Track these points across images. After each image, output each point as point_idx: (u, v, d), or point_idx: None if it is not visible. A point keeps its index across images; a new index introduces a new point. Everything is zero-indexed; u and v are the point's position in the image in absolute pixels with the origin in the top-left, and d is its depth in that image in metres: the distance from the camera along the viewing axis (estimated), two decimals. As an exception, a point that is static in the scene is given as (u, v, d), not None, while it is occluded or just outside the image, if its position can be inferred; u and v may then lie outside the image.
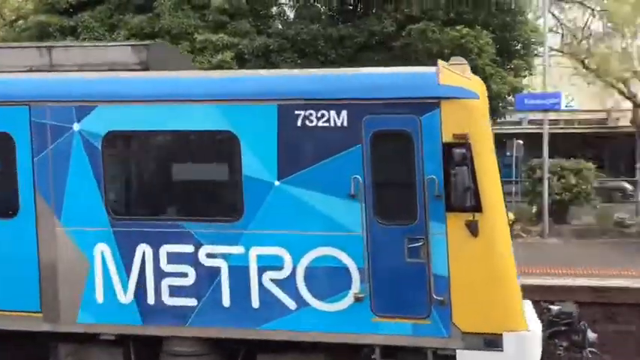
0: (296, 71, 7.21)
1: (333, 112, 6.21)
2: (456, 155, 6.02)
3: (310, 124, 6.26)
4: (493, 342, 6.11)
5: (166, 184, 6.80)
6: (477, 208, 6.02)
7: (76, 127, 6.47)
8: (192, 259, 6.37)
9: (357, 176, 6.21)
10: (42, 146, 6.47)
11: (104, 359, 6.70)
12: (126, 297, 6.46)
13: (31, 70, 6.84)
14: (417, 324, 6.19)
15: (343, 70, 7.08)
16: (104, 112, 6.47)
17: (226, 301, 6.37)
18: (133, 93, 6.54)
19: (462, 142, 6.06)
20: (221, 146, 6.59)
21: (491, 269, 6.13)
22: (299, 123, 6.27)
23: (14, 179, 6.49)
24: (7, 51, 7.34)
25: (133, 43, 7.88)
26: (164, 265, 6.39)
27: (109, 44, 8.66)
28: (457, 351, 6.18)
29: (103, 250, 6.46)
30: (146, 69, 6.89)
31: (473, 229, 6.05)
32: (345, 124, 6.24)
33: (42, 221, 6.51)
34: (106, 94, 6.52)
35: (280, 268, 6.33)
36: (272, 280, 6.34)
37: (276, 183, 6.30)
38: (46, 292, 6.42)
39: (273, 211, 6.32)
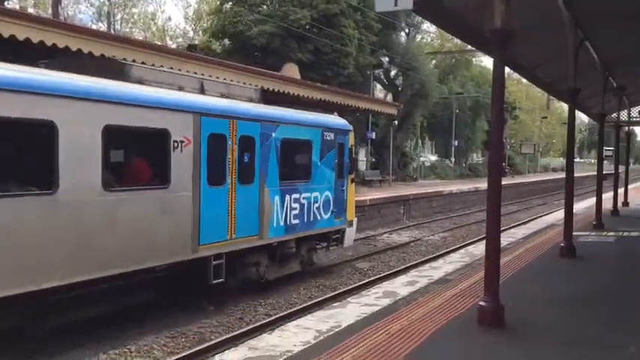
0: (324, 115, 14.85)
1: (331, 133, 14.08)
2: (352, 153, 15.08)
3: (326, 138, 13.88)
4: (351, 223, 15.30)
5: (293, 165, 13.25)
6: (353, 172, 15.30)
7: (273, 135, 12.09)
8: (298, 201, 12.83)
9: (335, 161, 14.22)
10: (263, 144, 11.77)
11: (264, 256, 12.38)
12: (281, 222, 12.38)
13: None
14: (340, 220, 14.61)
15: (332, 116, 15.06)
16: (282, 128, 12.35)
17: (305, 219, 13.17)
18: (288, 119, 12.85)
19: (352, 148, 15.11)
20: (308, 147, 13.34)
21: (353, 195, 15.44)
22: (325, 137, 13.85)
23: (254, 163, 11.54)
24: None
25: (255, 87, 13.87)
26: (292, 204, 12.63)
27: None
28: (347, 229, 15.00)
29: (276, 198, 12.16)
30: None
31: (352, 180, 15.17)
32: (333, 138, 14.14)
33: (261, 185, 11.72)
34: (282, 119, 12.55)
35: (317, 201, 13.56)
36: (316, 207, 13.52)
37: (319, 163, 13.62)
38: (260, 224, 11.73)
39: (317, 175, 13.62)
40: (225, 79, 15.54)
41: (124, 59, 12.41)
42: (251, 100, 12.28)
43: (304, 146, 13.30)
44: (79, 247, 8.28)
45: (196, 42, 42.31)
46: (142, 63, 13.33)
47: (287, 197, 12.46)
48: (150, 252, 9.40)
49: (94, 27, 41.46)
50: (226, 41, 37.64)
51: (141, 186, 9.42)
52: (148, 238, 9.37)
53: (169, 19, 73.29)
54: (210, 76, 14.98)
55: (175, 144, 9.71)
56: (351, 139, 15.02)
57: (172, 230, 9.78)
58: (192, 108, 10.10)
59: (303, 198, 13.00)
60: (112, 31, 40.89)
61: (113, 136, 8.80)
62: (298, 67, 31.21)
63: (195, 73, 14.51)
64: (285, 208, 12.39)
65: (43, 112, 7.84)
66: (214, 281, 10.65)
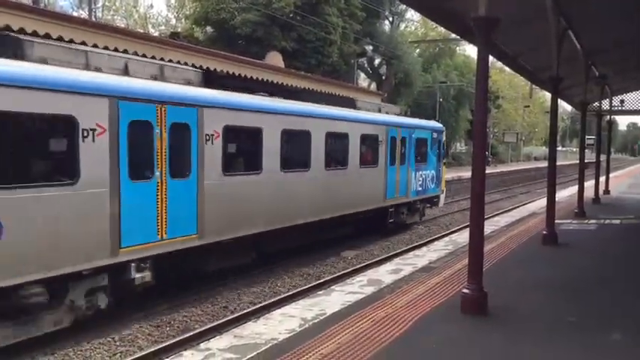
0: (432, 122, 23.26)
1: (435, 133, 21.55)
2: (445, 146, 24.21)
3: (434, 137, 21.36)
4: (443, 191, 22.95)
5: (419, 153, 19.98)
6: (445, 158, 24.58)
7: (412, 136, 19.52)
8: (421, 176, 20.18)
9: (437, 151, 21.75)
10: (409, 141, 19.38)
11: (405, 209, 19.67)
12: (414, 188, 19.90)
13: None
14: (439, 188, 22.25)
15: (436, 122, 23.56)
16: (416, 131, 19.90)
17: (423, 187, 20.61)
18: (419, 125, 20.80)
19: (445, 142, 23.34)
20: (425, 142, 20.71)
21: (444, 173, 23.39)
22: (433, 136, 21.18)
23: (405, 153, 19.06)
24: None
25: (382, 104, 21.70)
26: (418, 178, 20.07)
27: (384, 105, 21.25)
28: (441, 195, 22.76)
29: (413, 174, 19.65)
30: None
31: (445, 164, 24.28)
32: (436, 137, 21.71)
33: (408, 166, 19.34)
34: (417, 126, 20.50)
35: (429, 176, 20.97)
36: (428, 180, 21.00)
37: (430, 152, 21.05)
38: (407, 189, 19.28)
39: (429, 160, 20.94)
40: (212, 68, 15.44)
41: (125, 50, 13.16)
42: (398, 114, 20.57)
43: (424, 142, 20.82)
44: (350, 196, 16.09)
45: (179, 30, 41.90)
46: (124, 51, 13.19)
47: (417, 173, 20.16)
48: (372, 200, 17.48)
49: (74, 14, 40.84)
50: (209, 29, 37.37)
51: (368, 165, 17.21)
52: (371, 193, 17.43)
53: (151, 6, 72.55)
54: (193, 64, 14.88)
55: (380, 143, 17.77)
56: (444, 137, 22.90)
57: (374, 189, 17.60)
58: (384, 123, 18.22)
59: (423, 174, 20.68)
60: (94, 19, 40.32)
61: (362, 139, 16.68)
62: (282, 55, 31.07)
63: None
64: (416, 180, 20.08)
65: (345, 129, 16.03)
66: (390, 221, 18.78)
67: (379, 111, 19.25)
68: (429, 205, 22.68)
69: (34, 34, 11.50)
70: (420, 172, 20.55)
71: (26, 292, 7.94)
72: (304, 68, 30.51)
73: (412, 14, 53.84)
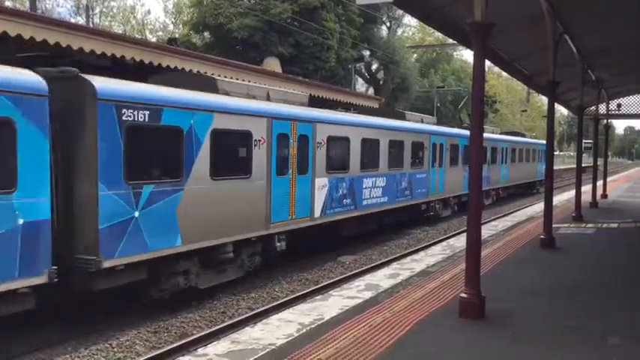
0: (542, 141, 36.71)
1: (542, 147, 33.92)
2: (541, 154, 42.43)
3: (542, 149, 35.45)
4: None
5: (537, 157, 37.71)
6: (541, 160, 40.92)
7: (538, 148, 37.97)
8: (537, 167, 38.19)
9: (542, 156, 35.76)
10: (537, 153, 37.75)
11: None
12: (533, 175, 37.84)
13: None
14: (541, 174, 34.45)
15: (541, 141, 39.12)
16: (541, 147, 36.17)
17: (538, 174, 37.55)
18: (539, 143, 38.45)
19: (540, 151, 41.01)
20: (538, 153, 37.74)
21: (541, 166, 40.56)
22: (542, 148, 36.25)
23: (528, 158, 36.97)
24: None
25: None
26: (538, 169, 37.94)
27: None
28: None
29: (539, 167, 37.02)
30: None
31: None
32: (542, 149, 34.51)
33: (535, 163, 38.11)
34: (538, 143, 38.67)
35: (539, 167, 36.70)
36: (541, 170, 33.42)
37: (541, 156, 36.73)
38: (532, 175, 37.97)
39: (540, 160, 36.69)
40: (209, 73, 15.48)
41: (122, 56, 12.88)
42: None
43: (540, 152, 36.84)
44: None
45: (176, 35, 41.97)
46: (122, 57, 13.23)
47: (540, 166, 35.18)
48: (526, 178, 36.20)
49: (72, 20, 40.94)
50: (206, 34, 37.44)
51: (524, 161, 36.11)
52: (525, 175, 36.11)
53: (149, 12, 72.56)
54: (190, 70, 14.90)
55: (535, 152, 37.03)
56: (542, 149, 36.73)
57: (530, 173, 37.24)
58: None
59: (538, 166, 36.82)
60: (91, 25, 40.36)
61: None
62: (279, 60, 31.12)
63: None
64: (539, 170, 35.99)
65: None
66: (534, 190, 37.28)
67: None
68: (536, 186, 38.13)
69: (31, 40, 11.52)
70: (536, 165, 36.94)
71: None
72: (302, 73, 30.57)
73: (409, 19, 54.07)
